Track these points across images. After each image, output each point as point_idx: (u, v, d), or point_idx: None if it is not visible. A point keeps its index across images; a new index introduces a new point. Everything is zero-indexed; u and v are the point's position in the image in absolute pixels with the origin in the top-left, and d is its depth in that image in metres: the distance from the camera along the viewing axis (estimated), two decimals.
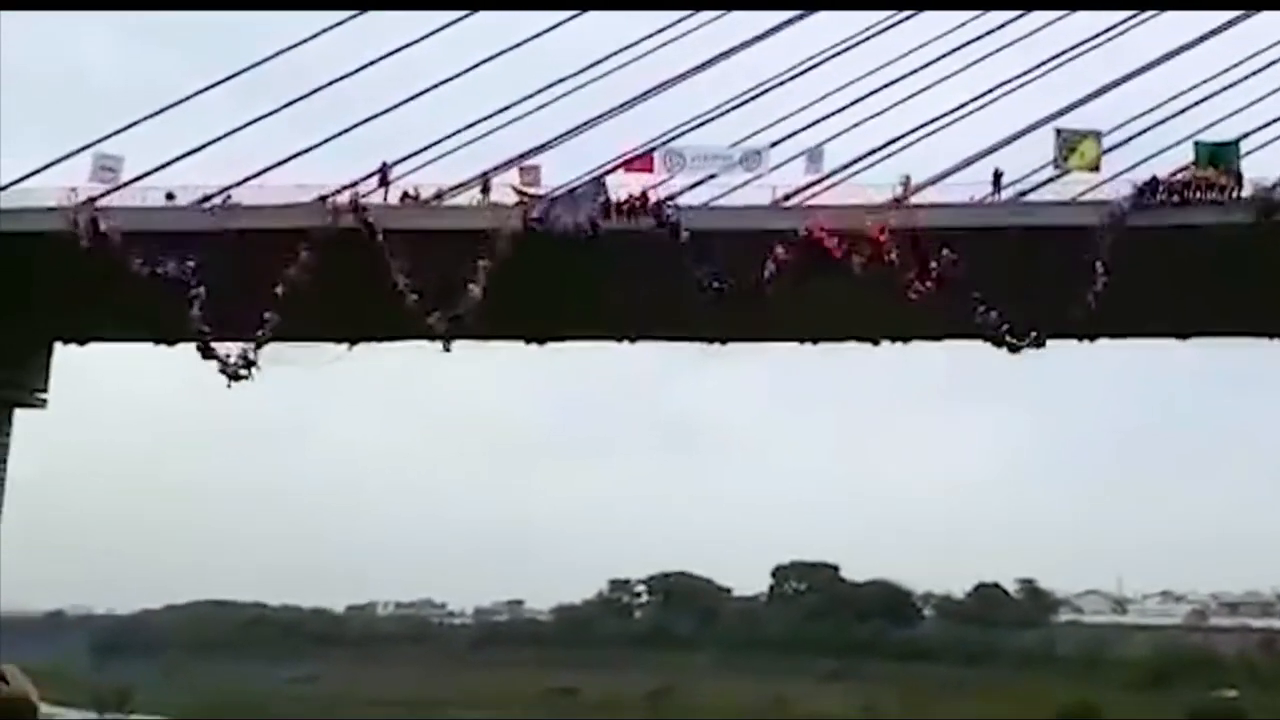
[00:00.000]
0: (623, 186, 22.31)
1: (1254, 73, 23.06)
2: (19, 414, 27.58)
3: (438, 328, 22.56)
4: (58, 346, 27.15)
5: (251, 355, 22.53)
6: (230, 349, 22.65)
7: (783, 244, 21.47)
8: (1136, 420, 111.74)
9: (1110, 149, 22.32)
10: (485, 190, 22.97)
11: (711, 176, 22.84)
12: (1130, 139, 22.74)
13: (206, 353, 22.60)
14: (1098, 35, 23.42)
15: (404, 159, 23.26)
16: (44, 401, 27.74)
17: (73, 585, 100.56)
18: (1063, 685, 73.44)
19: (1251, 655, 74.91)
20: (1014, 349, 22.21)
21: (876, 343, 26.03)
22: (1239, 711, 67.78)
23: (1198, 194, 21.59)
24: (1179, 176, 21.95)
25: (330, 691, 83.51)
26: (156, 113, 24.57)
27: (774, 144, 22.98)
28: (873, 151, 22.94)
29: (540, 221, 21.72)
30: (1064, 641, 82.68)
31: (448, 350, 22.73)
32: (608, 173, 22.58)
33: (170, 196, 23.53)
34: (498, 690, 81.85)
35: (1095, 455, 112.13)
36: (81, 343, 27.05)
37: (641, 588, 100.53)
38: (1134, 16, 23.40)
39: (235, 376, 22.58)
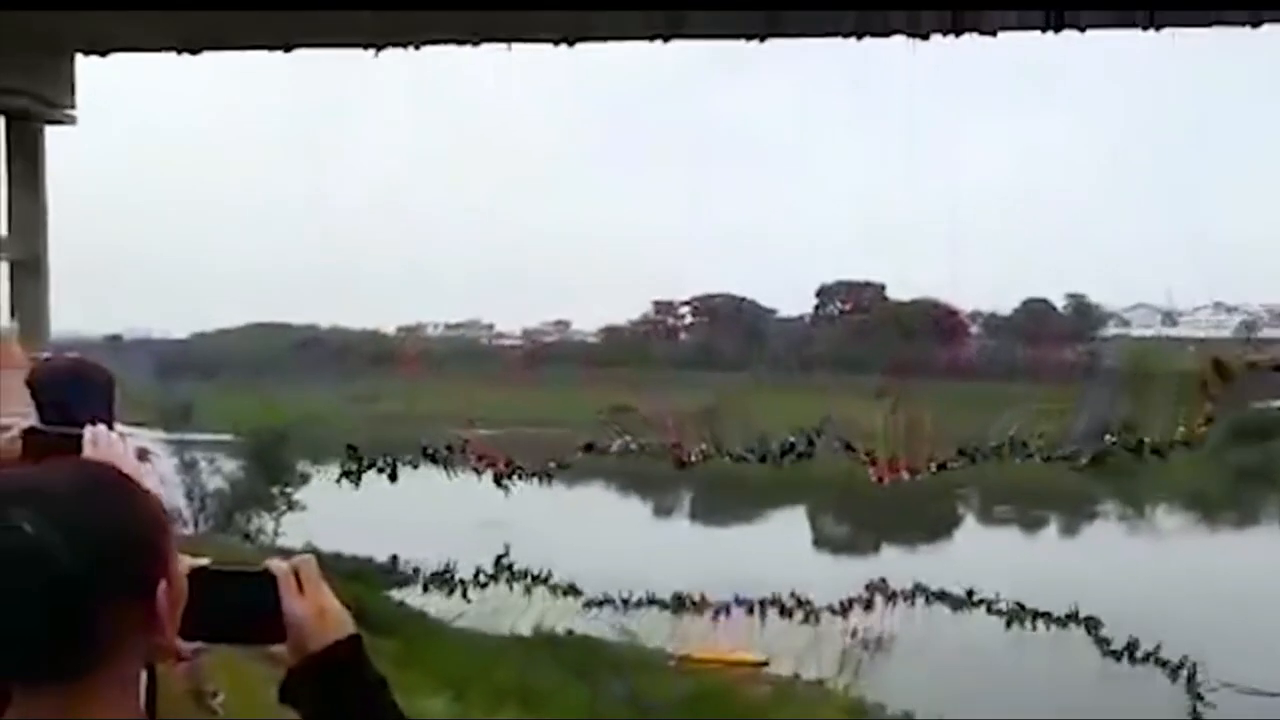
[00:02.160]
0: None
1: None
2: (50, 133, 27.10)
3: (463, 28, 21.62)
4: (79, 58, 26.33)
5: None
6: None
7: None
8: (1183, 120, 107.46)
9: None
10: None
11: None
12: None
13: None
14: None
15: None
16: (73, 118, 27.15)
17: (128, 309, 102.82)
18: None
19: None
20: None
21: (926, 37, 24.51)
22: None
23: None
24: None
25: (391, 408, 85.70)
26: None
27: None
28: None
29: None
30: (1110, 355, 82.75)
31: (476, 45, 21.80)
32: None
33: None
34: (555, 407, 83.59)
35: (1144, 159, 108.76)
36: (103, 54, 26.18)
37: (685, 309, 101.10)
38: None
39: None
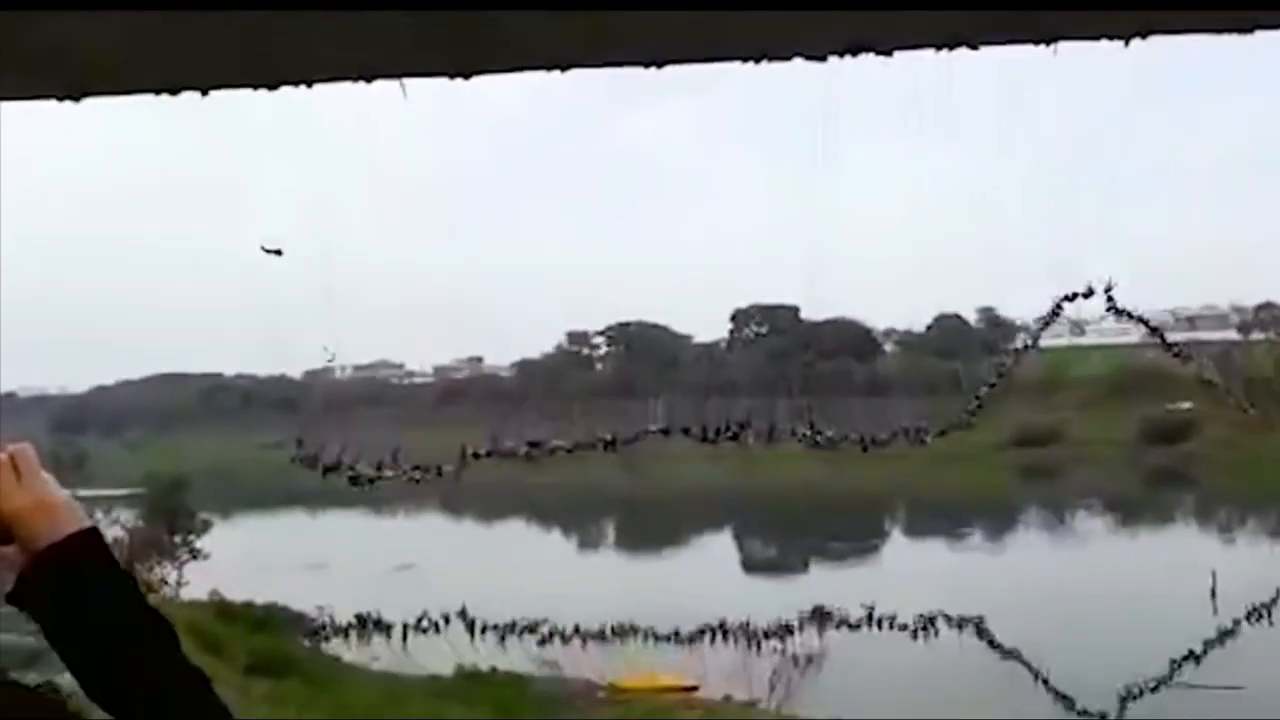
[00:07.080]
0: None
1: None
2: None
3: (356, 64, 21.36)
4: None
5: None
6: None
7: None
8: (1077, 134, 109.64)
9: None
10: None
11: None
12: None
13: None
14: None
15: None
16: None
17: (21, 366, 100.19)
18: (1019, 408, 75.26)
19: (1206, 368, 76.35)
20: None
21: (823, 59, 24.78)
22: (1190, 423, 69.81)
23: None
24: None
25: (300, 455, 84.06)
26: None
27: None
28: None
29: None
30: (1023, 366, 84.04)
31: (369, 82, 21.43)
32: None
33: None
34: (469, 445, 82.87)
35: (1044, 174, 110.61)
36: None
37: (600, 339, 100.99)
38: None
39: None
